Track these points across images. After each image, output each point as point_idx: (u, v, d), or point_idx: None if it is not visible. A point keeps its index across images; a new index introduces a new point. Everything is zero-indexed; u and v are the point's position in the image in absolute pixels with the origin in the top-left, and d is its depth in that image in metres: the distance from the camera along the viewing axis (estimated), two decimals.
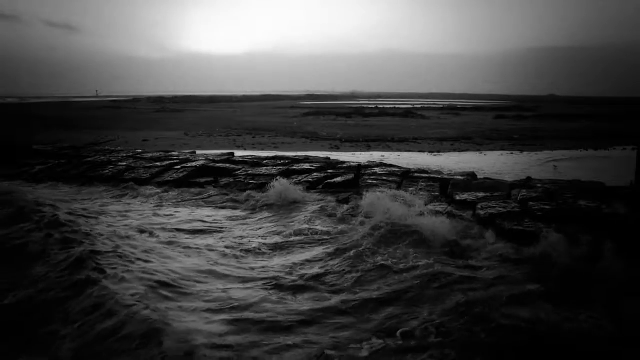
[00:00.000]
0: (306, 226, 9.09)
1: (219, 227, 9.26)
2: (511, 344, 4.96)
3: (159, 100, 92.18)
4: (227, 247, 7.98)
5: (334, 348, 4.88)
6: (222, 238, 8.54)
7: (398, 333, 5.17)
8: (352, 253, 7.48)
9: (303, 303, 5.95)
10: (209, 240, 8.43)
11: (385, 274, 6.73)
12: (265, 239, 8.53)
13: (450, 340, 4.98)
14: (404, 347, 4.91)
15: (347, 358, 4.73)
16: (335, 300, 6.01)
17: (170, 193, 12.08)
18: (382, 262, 7.10)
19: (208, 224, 9.47)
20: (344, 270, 6.95)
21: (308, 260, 7.37)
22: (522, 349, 4.92)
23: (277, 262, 7.33)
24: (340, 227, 8.99)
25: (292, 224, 9.33)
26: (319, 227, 9.00)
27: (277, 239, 8.52)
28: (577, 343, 5.00)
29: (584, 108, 63.55)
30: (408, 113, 49.43)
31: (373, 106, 72.56)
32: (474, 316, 5.41)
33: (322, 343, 4.98)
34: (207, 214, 10.25)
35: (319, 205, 10.35)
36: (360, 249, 7.64)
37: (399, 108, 63.75)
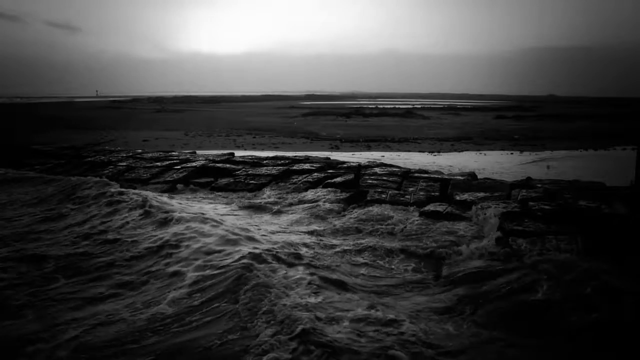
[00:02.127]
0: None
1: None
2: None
3: (159, 100, 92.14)
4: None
5: None
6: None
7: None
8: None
9: None
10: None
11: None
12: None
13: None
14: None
15: (345, 348, 4.77)
16: None
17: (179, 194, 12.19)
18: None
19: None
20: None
21: None
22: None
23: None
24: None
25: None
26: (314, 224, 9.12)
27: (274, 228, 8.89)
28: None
29: (584, 108, 63.56)
30: (408, 113, 49.44)
31: (373, 106, 72.56)
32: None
33: None
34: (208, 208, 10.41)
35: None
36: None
37: (399, 108, 63.76)
